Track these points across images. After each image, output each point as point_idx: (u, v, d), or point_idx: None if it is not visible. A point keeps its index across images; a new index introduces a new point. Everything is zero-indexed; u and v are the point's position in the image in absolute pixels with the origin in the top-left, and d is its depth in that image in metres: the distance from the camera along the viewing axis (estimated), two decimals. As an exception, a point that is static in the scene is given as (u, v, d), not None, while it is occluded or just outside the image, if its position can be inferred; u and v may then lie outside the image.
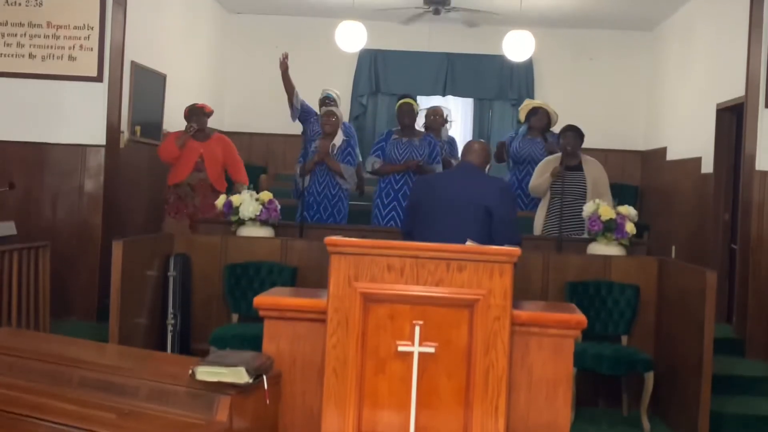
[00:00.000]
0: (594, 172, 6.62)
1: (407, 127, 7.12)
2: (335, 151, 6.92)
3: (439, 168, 7.10)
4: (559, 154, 6.63)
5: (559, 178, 6.45)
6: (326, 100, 7.65)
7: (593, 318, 5.55)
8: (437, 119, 7.96)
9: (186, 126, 7.13)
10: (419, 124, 7.74)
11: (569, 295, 5.63)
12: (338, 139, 6.94)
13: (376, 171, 7.08)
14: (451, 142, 8.20)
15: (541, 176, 6.69)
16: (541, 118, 7.53)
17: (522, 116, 7.73)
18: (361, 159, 7.58)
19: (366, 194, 7.86)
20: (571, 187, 6.49)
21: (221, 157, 7.10)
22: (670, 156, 9.20)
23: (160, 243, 6.01)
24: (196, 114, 7.10)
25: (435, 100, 10.82)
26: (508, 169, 7.87)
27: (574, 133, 6.65)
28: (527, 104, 7.80)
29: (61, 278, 6.50)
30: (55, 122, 6.82)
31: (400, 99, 7.38)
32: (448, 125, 8.16)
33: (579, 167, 6.61)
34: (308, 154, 7.07)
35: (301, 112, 7.60)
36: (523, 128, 7.67)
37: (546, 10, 9.57)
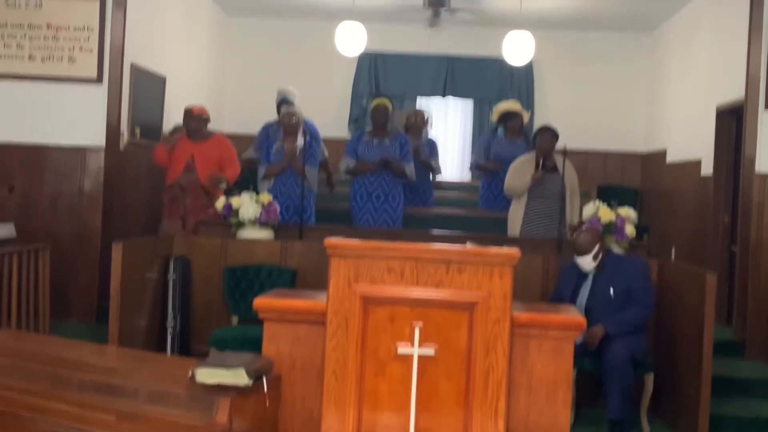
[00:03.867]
0: (569, 172, 6.66)
1: (379, 126, 7.13)
2: (298, 153, 6.91)
3: (410, 167, 7.10)
4: (532, 154, 6.69)
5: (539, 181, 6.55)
6: (283, 102, 7.64)
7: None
8: (417, 121, 7.98)
9: (172, 128, 7.18)
10: (401, 125, 7.81)
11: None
12: (300, 139, 6.94)
13: (351, 171, 7.10)
14: (431, 144, 8.21)
15: (518, 178, 6.72)
16: (517, 120, 7.58)
17: (495, 118, 7.77)
18: (327, 154, 7.59)
19: (339, 193, 7.87)
20: (550, 188, 6.54)
21: (216, 158, 7.06)
22: (670, 158, 9.20)
23: (160, 245, 6.02)
24: (185, 117, 7.12)
25: (435, 101, 10.86)
26: (483, 175, 7.90)
27: (551, 134, 6.71)
28: (501, 108, 7.82)
29: (61, 280, 6.50)
30: (54, 124, 6.81)
31: (374, 99, 7.40)
32: (428, 127, 8.17)
33: (555, 168, 6.66)
34: (270, 156, 7.07)
35: (262, 143, 7.56)
36: (500, 131, 7.71)
37: (546, 12, 9.57)
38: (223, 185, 6.95)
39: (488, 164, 7.65)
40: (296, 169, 6.87)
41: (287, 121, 6.99)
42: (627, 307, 5.19)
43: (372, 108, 7.27)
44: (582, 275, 5.39)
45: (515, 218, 6.74)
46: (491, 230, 6.98)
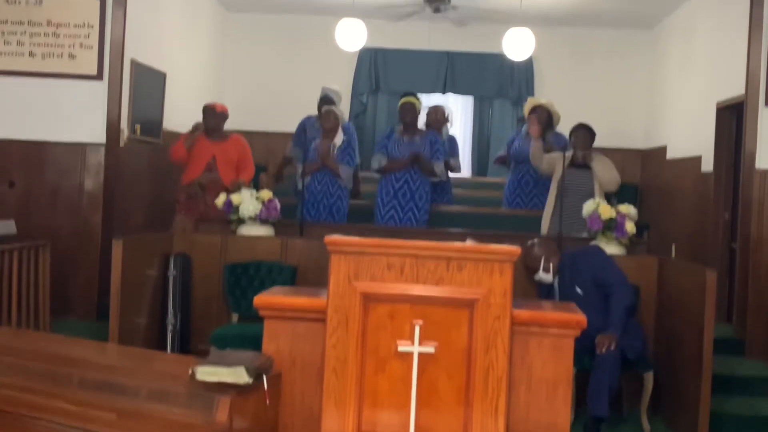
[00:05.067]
0: (602, 171, 6.59)
1: (409, 125, 7.12)
2: (335, 151, 6.92)
3: (440, 165, 7.09)
4: (568, 152, 6.66)
5: (567, 177, 6.49)
6: (325, 100, 7.65)
7: (593, 317, 5.54)
8: (438, 118, 7.97)
9: (192, 126, 7.18)
10: (421, 122, 7.75)
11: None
12: (338, 138, 6.94)
13: (381, 169, 7.08)
14: (452, 140, 8.20)
15: (546, 161, 6.76)
16: (539, 116, 7.49)
17: (526, 113, 7.73)
18: (359, 161, 7.60)
19: (365, 193, 7.86)
20: (578, 185, 6.50)
21: (235, 158, 7.07)
22: (670, 155, 9.20)
23: (160, 242, 6.01)
24: (206, 114, 7.08)
25: (435, 98, 10.84)
26: (509, 170, 7.88)
27: (585, 131, 6.66)
28: (531, 102, 7.78)
29: (61, 277, 6.50)
30: (55, 121, 6.81)
31: (402, 97, 7.38)
32: (449, 124, 8.15)
33: (587, 165, 6.60)
34: (309, 153, 7.07)
35: (300, 141, 7.60)
36: (524, 127, 7.67)
37: (546, 9, 9.57)
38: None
39: (501, 156, 7.68)
40: (330, 168, 6.87)
41: (326, 119, 6.96)
42: (605, 296, 5.15)
43: (399, 106, 7.24)
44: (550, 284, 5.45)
45: (548, 215, 6.73)
46: (515, 228, 6.92)
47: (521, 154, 7.42)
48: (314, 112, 7.79)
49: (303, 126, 7.78)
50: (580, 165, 6.60)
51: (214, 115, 7.07)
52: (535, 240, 5.61)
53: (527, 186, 7.35)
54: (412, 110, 7.12)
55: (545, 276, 5.37)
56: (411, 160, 6.93)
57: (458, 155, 8.18)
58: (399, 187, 6.95)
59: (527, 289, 5.49)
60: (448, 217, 7.51)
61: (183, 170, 7.16)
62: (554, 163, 6.71)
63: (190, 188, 7.05)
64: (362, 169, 7.94)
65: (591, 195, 6.44)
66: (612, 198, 6.30)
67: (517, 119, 7.88)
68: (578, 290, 5.23)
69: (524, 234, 6.48)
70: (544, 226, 6.72)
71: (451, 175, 8.20)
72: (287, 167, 7.92)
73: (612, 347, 4.91)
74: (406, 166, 6.95)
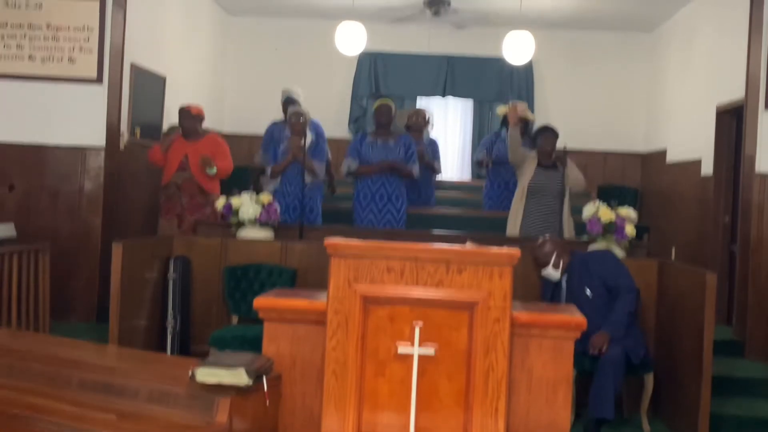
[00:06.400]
0: (572, 172, 6.63)
1: (383, 127, 7.13)
2: (307, 148, 6.92)
3: (416, 168, 7.10)
4: (533, 153, 6.73)
5: (536, 178, 6.59)
6: (289, 102, 7.66)
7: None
8: (419, 120, 7.99)
9: (167, 129, 7.18)
10: (401, 125, 7.81)
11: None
12: (307, 138, 6.94)
13: (352, 173, 7.10)
14: (433, 144, 8.22)
15: (520, 156, 6.82)
16: (525, 124, 7.57)
17: (502, 116, 7.78)
18: (330, 155, 7.62)
19: (343, 194, 7.89)
20: (549, 185, 6.54)
21: (210, 156, 7.08)
22: (670, 158, 9.20)
23: (160, 245, 6.02)
24: (182, 116, 7.12)
25: (435, 101, 10.86)
26: (487, 175, 7.93)
27: (552, 133, 6.72)
28: (513, 109, 7.81)
29: (61, 280, 6.50)
30: (54, 124, 6.81)
31: (377, 99, 7.40)
32: (429, 127, 8.17)
33: (555, 166, 6.64)
34: (278, 155, 7.08)
35: (268, 145, 7.63)
36: (503, 132, 7.70)
37: (546, 12, 9.57)
38: (213, 171, 6.91)
39: (484, 159, 7.70)
40: (302, 164, 6.87)
41: (295, 120, 6.98)
42: (613, 300, 5.17)
43: (375, 108, 7.26)
44: (557, 281, 5.42)
45: (515, 216, 6.75)
46: (494, 230, 6.98)
47: (504, 157, 7.42)
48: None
49: (270, 132, 7.79)
50: (548, 166, 6.64)
51: (189, 117, 7.11)
52: (547, 236, 5.61)
53: (515, 188, 7.39)
54: (388, 112, 7.12)
55: (554, 272, 5.35)
56: (386, 169, 6.93)
57: (439, 158, 8.21)
58: (376, 191, 6.97)
59: (528, 291, 5.49)
60: (428, 219, 7.54)
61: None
62: (526, 158, 6.73)
63: (167, 189, 7.07)
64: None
65: (561, 195, 6.47)
66: (612, 201, 6.30)
67: (501, 122, 7.88)
68: (587, 292, 5.24)
69: (523, 236, 6.50)
70: (512, 227, 6.73)
71: (452, 178, 8.22)
72: (262, 176, 7.91)
73: (604, 349, 4.93)
74: (378, 173, 6.96)
